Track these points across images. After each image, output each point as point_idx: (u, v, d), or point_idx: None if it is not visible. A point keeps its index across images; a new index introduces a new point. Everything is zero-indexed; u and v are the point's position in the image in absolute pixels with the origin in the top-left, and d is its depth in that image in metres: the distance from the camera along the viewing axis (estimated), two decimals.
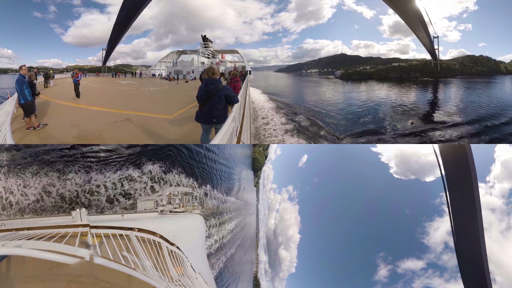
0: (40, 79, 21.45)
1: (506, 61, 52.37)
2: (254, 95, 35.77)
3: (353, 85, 46.44)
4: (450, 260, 30.09)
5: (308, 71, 63.74)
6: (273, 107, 31.23)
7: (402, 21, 47.95)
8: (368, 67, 54.86)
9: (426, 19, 43.15)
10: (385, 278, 35.79)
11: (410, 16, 42.68)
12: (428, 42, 46.87)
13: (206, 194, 21.18)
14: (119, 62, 57.21)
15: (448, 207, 3.12)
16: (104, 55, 48.01)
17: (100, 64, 49.66)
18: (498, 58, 52.82)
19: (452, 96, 36.20)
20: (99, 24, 52.91)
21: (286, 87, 48.70)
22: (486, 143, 22.31)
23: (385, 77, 50.98)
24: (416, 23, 43.63)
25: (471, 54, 53.30)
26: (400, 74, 51.41)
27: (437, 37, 47.03)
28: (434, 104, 32.05)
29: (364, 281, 36.93)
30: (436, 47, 47.93)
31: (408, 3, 40.71)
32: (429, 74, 49.97)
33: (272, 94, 40.18)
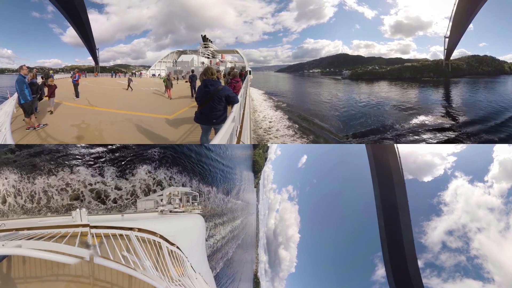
0: (40, 79, 21.43)
1: (508, 61, 52.51)
2: (260, 107, 34.67)
3: (359, 86, 46.15)
4: (448, 260, 30.06)
5: (310, 71, 63.51)
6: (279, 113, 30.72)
7: (404, 21, 47.45)
8: (377, 67, 54.43)
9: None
10: (383, 278, 35.79)
11: (461, 13, 42.01)
12: (455, 42, 46.80)
13: (206, 194, 21.42)
14: (119, 62, 57.25)
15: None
16: (92, 56, 48.40)
17: (100, 64, 49.76)
18: (499, 58, 53.01)
19: (459, 95, 36.25)
20: (97, 24, 52.91)
21: (289, 89, 48.43)
22: (485, 142, 22.28)
23: (398, 77, 50.64)
24: (461, 21, 43.06)
25: (475, 54, 53.39)
26: (414, 74, 51.09)
27: (448, 37, 47.10)
28: (438, 104, 32.16)
29: (363, 280, 37.01)
30: (446, 47, 48.05)
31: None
32: (441, 74, 49.87)
33: (275, 95, 40.01)
